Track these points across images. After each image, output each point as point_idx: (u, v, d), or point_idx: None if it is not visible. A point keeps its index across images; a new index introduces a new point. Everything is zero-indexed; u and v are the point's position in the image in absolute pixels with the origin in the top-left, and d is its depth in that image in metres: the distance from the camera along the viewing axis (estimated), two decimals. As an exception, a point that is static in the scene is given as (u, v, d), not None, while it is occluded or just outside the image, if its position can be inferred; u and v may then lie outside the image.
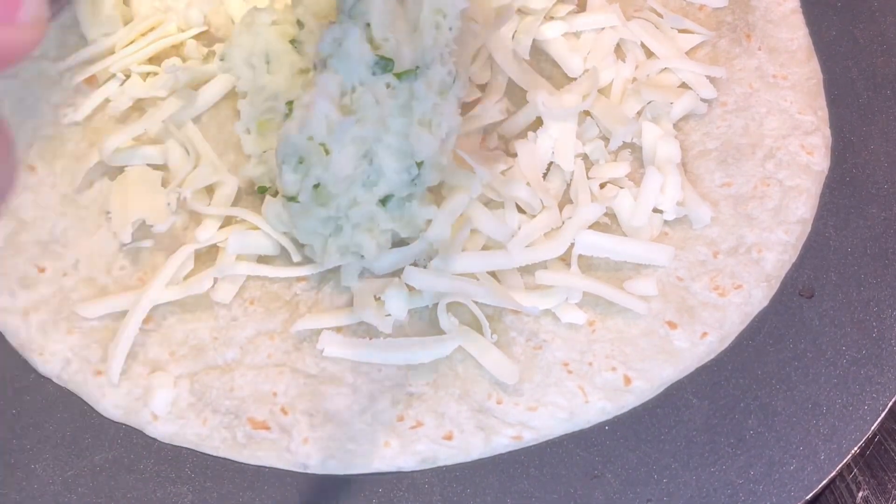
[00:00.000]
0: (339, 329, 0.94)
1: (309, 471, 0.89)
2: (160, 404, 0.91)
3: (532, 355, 0.93)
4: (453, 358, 0.93)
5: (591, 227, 0.96)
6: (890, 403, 0.91)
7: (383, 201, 0.90)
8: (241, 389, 0.92)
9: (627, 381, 0.91)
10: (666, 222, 0.99)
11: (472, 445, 0.89)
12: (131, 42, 1.10)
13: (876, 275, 0.98)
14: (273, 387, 0.92)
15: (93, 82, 1.09)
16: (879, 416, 0.90)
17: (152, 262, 0.98)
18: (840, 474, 0.89)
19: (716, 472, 0.89)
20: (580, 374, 0.91)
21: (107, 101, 1.07)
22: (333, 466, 0.89)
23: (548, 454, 0.90)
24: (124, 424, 0.92)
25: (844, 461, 0.88)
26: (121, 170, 1.02)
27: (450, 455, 0.89)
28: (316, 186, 0.87)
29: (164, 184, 1.01)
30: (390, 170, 0.88)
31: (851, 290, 0.97)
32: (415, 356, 0.92)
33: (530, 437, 0.89)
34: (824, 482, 0.87)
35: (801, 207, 0.99)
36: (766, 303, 0.95)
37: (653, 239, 0.97)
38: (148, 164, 1.03)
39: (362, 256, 0.93)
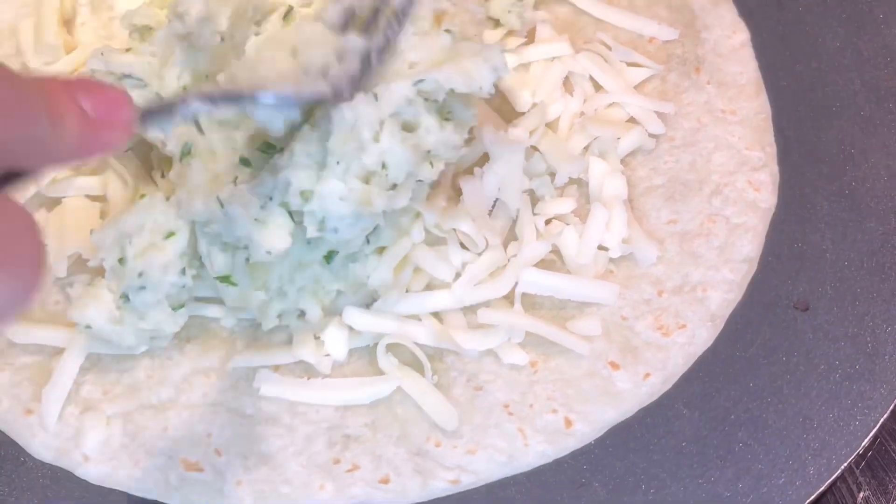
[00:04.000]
0: (276, 368, 0.92)
1: (243, 514, 0.87)
2: (92, 445, 0.89)
3: (472, 396, 0.91)
4: (392, 399, 0.91)
5: (536, 264, 0.95)
6: (882, 420, 0.91)
7: (327, 258, 0.89)
8: (176, 430, 0.90)
9: (569, 423, 0.90)
10: (611, 260, 0.97)
11: (408, 489, 0.88)
12: (74, 70, 1.08)
13: (872, 289, 0.97)
14: (208, 427, 0.90)
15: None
16: (871, 431, 0.90)
17: (88, 297, 0.96)
18: (841, 475, 0.89)
19: (703, 484, 0.89)
20: (521, 416, 0.90)
21: (47, 130, 1.05)
22: (267, 510, 0.87)
23: (535, 462, 0.90)
24: (54, 466, 0.90)
25: (834, 477, 0.88)
26: (58, 201, 1.00)
27: (385, 499, 0.87)
28: (248, 260, 0.86)
29: (103, 215, 0.99)
30: (344, 230, 0.86)
31: (847, 304, 0.97)
32: (353, 397, 0.91)
33: (468, 482, 0.88)
34: (813, 497, 0.87)
35: (748, 245, 0.98)
36: (710, 342, 0.94)
37: (598, 277, 0.96)
38: (86, 196, 1.00)
39: (304, 313, 0.92)
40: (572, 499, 0.88)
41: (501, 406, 0.91)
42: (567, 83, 1.07)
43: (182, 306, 0.91)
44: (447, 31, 0.87)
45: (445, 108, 0.87)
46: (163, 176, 0.98)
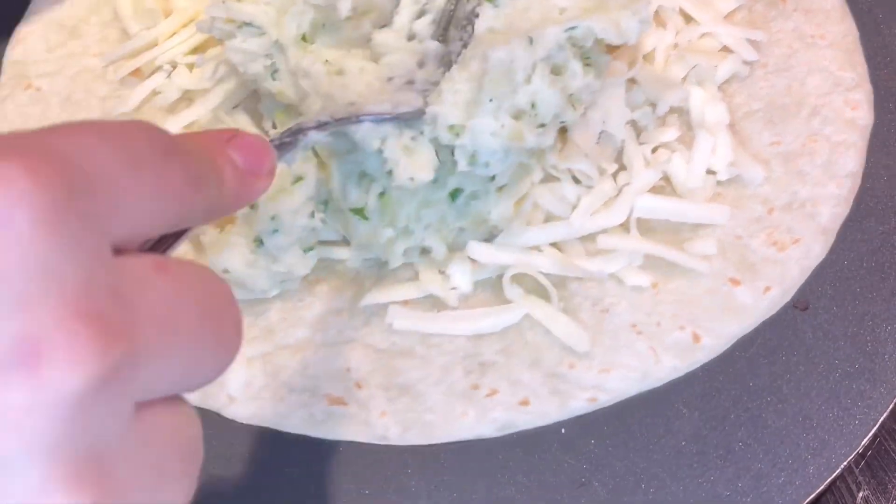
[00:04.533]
0: (405, 303, 0.95)
1: (388, 443, 0.90)
2: (236, 386, 0.92)
3: (599, 319, 0.94)
4: (522, 326, 0.94)
5: (647, 191, 0.98)
6: (881, 419, 0.90)
7: (452, 195, 0.91)
8: (315, 367, 0.93)
9: (696, 338, 0.92)
10: (719, 183, 1.00)
11: (548, 409, 0.90)
12: (174, 33, 1.10)
13: (872, 289, 0.97)
14: (346, 363, 0.93)
15: (138, 76, 1.09)
16: (871, 430, 0.89)
17: (214, 247, 0.98)
18: (840, 475, 0.89)
19: (703, 484, 0.88)
20: (649, 334, 0.93)
21: (154, 92, 1.08)
22: (413, 438, 0.90)
23: (535, 461, 0.90)
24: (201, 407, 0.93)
25: (833, 476, 0.88)
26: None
27: (527, 420, 0.90)
28: (382, 195, 0.89)
29: (219, 172, 1.01)
30: (495, 164, 0.89)
31: (846, 303, 0.96)
32: (483, 325, 0.93)
33: (605, 399, 0.90)
34: (812, 496, 0.87)
35: (850, 162, 1.00)
36: (823, 255, 0.97)
37: (708, 200, 0.99)
38: (201, 153, 1.03)
39: (427, 250, 0.95)
40: (572, 498, 0.88)
41: (629, 326, 0.93)
42: (657, 17, 1.09)
43: (312, 248, 0.94)
44: None
45: (586, 53, 0.91)
46: (274, 126, 1.00)
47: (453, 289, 0.95)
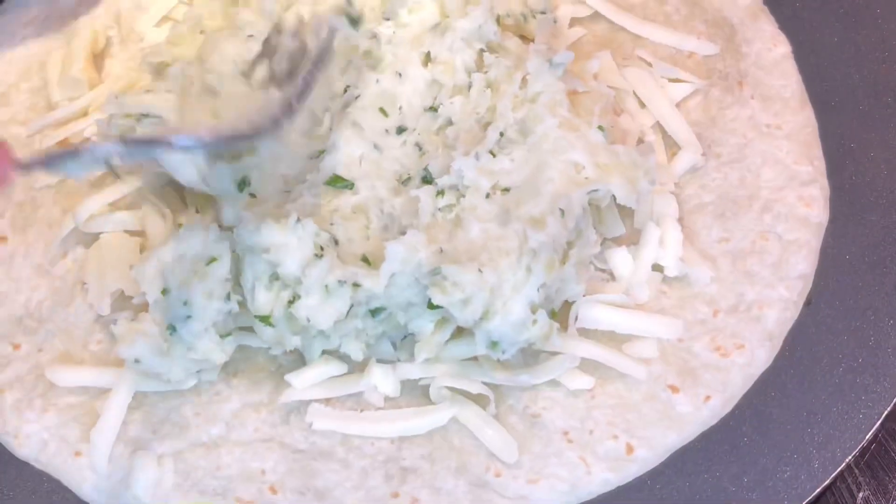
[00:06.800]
0: (328, 401, 0.90)
1: (301, 552, 0.85)
2: (144, 487, 0.87)
3: (531, 424, 0.89)
4: (448, 429, 0.89)
5: (588, 283, 0.93)
6: (885, 412, 0.89)
7: (373, 313, 0.87)
8: (228, 467, 0.88)
9: (630, 449, 0.87)
10: (663, 280, 0.95)
11: (470, 522, 0.85)
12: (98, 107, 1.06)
13: (874, 283, 0.96)
14: (261, 464, 0.88)
15: (66, 145, 1.05)
16: (874, 424, 0.89)
17: (132, 334, 0.94)
18: (840, 475, 0.88)
19: (709, 479, 0.88)
20: (581, 443, 0.88)
21: (81, 164, 1.03)
22: (326, 547, 0.85)
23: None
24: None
25: (838, 470, 0.87)
26: (96, 237, 0.98)
27: (447, 533, 0.85)
28: (291, 302, 0.85)
29: (142, 250, 0.97)
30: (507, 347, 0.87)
31: (849, 298, 0.95)
32: (408, 428, 0.89)
33: (531, 512, 0.86)
34: (818, 490, 0.86)
35: (802, 262, 0.96)
36: (769, 363, 0.92)
37: (651, 298, 0.94)
38: (125, 231, 0.98)
39: None
40: None
41: (561, 433, 0.88)
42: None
43: (229, 334, 0.89)
44: (600, 127, 0.91)
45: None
46: (197, 211, 0.96)
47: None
